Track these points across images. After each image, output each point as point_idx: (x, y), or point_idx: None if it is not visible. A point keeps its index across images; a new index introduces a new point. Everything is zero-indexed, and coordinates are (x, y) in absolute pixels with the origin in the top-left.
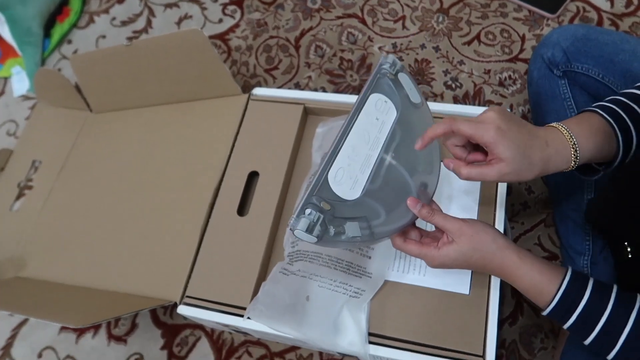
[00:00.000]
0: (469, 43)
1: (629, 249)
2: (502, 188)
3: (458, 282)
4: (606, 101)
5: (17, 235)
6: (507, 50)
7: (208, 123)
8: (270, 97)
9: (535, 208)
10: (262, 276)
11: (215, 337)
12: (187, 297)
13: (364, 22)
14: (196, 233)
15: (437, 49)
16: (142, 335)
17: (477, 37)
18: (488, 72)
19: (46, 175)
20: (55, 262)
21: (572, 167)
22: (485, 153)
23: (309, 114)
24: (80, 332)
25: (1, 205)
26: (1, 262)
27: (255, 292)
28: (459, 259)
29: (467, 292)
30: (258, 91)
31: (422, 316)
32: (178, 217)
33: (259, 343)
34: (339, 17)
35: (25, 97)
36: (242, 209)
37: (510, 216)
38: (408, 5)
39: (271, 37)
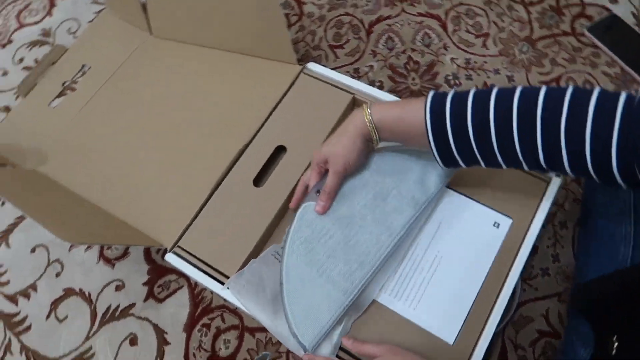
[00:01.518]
0: (546, 83)
1: (615, 344)
2: (525, 248)
3: (446, 329)
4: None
5: (47, 130)
6: None
7: (255, 83)
8: (323, 76)
9: (555, 278)
10: (256, 252)
11: (196, 291)
12: (178, 247)
13: (444, 27)
14: (208, 188)
15: (510, 78)
16: (130, 265)
17: (557, 80)
18: None
19: (91, 83)
20: (73, 168)
21: (372, 132)
22: None
23: (356, 106)
24: None
25: (42, 98)
26: (26, 151)
27: (244, 265)
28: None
29: (451, 342)
30: (313, 67)
31: None
32: (196, 167)
33: (235, 312)
34: (420, 14)
35: (95, 1)
36: (258, 180)
37: (525, 277)
38: (496, 24)
39: (347, 13)
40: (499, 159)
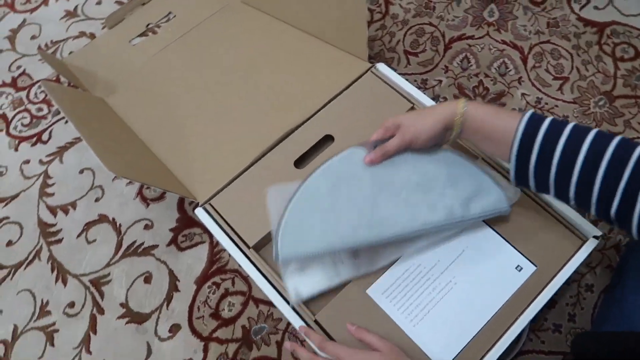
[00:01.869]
0: None
1: None
2: (542, 298)
3: (441, 354)
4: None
5: (122, 65)
6: None
7: (322, 70)
8: (389, 80)
9: (566, 337)
10: None
11: (216, 250)
12: (210, 204)
13: (525, 60)
14: (250, 158)
15: None
16: (163, 209)
17: None
18: None
19: (172, 30)
20: (135, 106)
21: (458, 124)
22: None
23: None
24: None
25: (125, 34)
26: (99, 80)
27: (266, 237)
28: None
29: None
30: (381, 67)
31: None
32: (245, 135)
33: (245, 279)
34: (504, 42)
35: None
36: (300, 162)
37: (535, 327)
38: (578, 70)
39: (430, 23)
40: (571, 194)
